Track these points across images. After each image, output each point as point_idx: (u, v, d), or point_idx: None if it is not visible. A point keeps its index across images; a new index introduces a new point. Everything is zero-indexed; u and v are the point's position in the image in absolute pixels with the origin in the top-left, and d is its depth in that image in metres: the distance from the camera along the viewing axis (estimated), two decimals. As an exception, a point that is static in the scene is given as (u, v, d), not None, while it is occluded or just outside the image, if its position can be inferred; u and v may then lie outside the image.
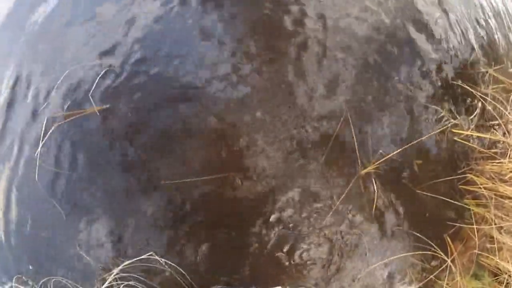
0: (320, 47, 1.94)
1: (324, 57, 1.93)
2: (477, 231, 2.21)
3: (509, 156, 2.22)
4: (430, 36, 2.14)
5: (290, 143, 1.80)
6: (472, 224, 2.17)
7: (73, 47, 1.93)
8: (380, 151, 1.91)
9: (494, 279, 2.25)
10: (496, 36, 2.41)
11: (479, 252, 2.23)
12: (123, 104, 1.79)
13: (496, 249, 2.19)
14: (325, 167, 1.85)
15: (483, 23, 2.35)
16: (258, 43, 1.86)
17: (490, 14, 2.37)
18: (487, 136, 2.18)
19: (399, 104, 2.00)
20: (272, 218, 1.80)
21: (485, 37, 2.31)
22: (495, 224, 2.13)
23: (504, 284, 2.17)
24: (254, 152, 1.77)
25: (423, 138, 1.96)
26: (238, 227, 1.78)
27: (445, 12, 2.21)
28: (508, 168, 2.20)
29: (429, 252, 2.05)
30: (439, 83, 2.11)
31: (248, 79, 1.81)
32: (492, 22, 2.39)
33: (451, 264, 2.09)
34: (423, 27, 2.13)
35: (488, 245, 2.26)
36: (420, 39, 2.09)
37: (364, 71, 1.99)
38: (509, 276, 2.16)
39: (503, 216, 2.16)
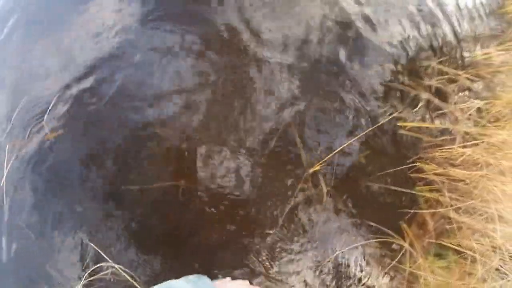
0: (264, 58, 2.13)
1: (268, 68, 2.11)
2: (434, 215, 2.37)
3: (458, 141, 2.36)
4: (370, 33, 2.29)
5: (238, 150, 2.00)
6: (427, 209, 2.31)
7: (31, 72, 2.15)
8: (321, 147, 2.07)
9: (458, 256, 2.38)
10: (438, 28, 2.55)
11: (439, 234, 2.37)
12: (80, 127, 2.00)
13: (456, 228, 2.32)
14: (272, 170, 2.04)
15: (424, 16, 2.48)
16: (211, 64, 2.06)
17: (430, 5, 2.50)
18: (433, 125, 2.33)
19: (342, 104, 2.17)
20: (225, 223, 2.00)
21: (426, 30, 2.45)
22: (451, 206, 2.28)
23: (469, 260, 2.29)
24: (203, 162, 1.98)
25: (364, 133, 2.13)
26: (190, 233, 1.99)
27: (385, 8, 2.35)
28: (458, 153, 2.35)
29: (386, 240, 2.19)
30: (381, 80, 2.26)
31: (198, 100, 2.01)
32: (434, 13, 2.52)
33: (410, 248, 2.24)
34: (363, 25, 2.28)
35: (448, 226, 2.40)
36: (361, 35, 2.24)
37: (308, 75, 2.15)
38: (473, 252, 2.29)
39: (458, 197, 2.30)
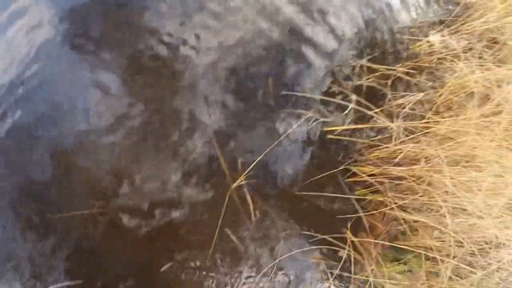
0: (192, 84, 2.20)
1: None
2: (383, 218, 2.29)
3: (394, 139, 2.28)
4: (304, 39, 2.31)
5: (165, 175, 2.06)
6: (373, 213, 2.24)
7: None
8: (240, 160, 2.09)
9: (418, 257, 2.27)
10: (376, 23, 2.51)
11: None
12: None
13: (409, 229, 2.23)
14: (200, 189, 2.08)
15: (363, 11, 2.46)
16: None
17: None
18: (365, 126, 2.28)
19: (264, 116, 2.19)
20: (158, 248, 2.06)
21: (348, 30, 2.42)
22: (395, 204, 2.19)
23: (432, 260, 2.18)
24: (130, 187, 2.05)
25: (281, 138, 2.12)
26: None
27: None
28: (396, 151, 2.27)
29: (329, 248, 2.14)
30: (308, 85, 2.25)
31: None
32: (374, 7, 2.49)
33: (356, 255, 2.18)
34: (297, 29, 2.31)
35: (401, 228, 2.30)
36: (293, 41, 2.26)
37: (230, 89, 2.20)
38: (438, 251, 2.18)
39: (401, 196, 2.22)
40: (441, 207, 2.19)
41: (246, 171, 2.07)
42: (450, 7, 2.86)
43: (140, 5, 2.33)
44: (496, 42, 2.86)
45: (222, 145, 2.12)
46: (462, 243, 2.18)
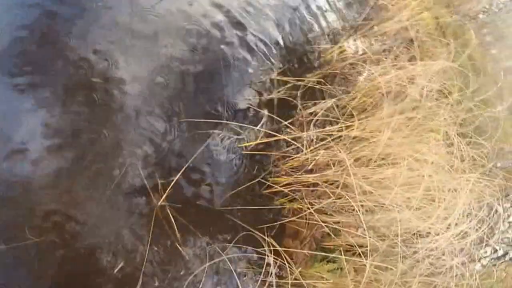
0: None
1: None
2: (306, 222, 2.42)
3: (306, 147, 2.42)
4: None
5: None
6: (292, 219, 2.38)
7: None
8: (161, 181, 2.24)
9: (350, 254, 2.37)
10: (272, 40, 2.64)
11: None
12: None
13: (331, 230, 2.35)
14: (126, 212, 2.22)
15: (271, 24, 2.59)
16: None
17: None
18: (276, 138, 2.41)
19: (181, 138, 2.33)
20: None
21: (260, 45, 2.56)
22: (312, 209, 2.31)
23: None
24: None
25: (190, 161, 2.26)
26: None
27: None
28: (307, 159, 2.41)
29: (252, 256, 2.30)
30: (217, 107, 2.40)
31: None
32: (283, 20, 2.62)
33: (280, 260, 2.29)
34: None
35: (324, 230, 2.42)
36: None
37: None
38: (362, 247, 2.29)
39: (317, 201, 2.34)
40: (358, 206, 2.30)
41: (167, 191, 2.18)
42: (361, 10, 2.98)
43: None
44: (411, 40, 2.97)
45: (145, 168, 2.25)
46: (385, 237, 2.29)
